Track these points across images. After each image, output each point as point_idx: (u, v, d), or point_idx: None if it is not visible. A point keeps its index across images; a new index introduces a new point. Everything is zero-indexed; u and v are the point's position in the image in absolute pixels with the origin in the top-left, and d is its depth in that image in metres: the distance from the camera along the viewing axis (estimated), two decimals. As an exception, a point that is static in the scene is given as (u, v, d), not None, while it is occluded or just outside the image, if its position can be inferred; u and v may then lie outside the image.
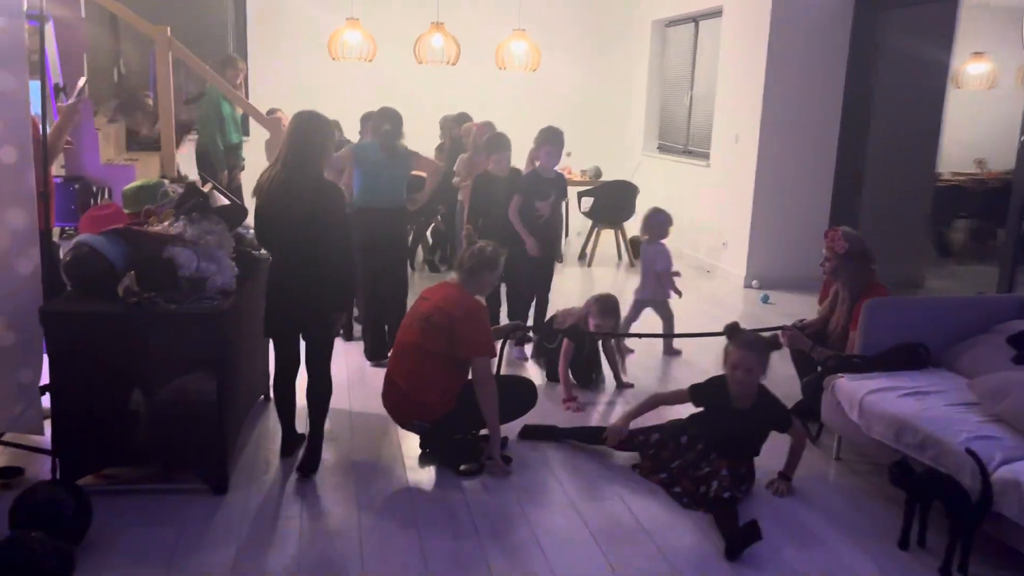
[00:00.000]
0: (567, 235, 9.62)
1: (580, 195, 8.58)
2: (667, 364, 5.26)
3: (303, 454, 3.56)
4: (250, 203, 7.45)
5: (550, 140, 5.08)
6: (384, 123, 4.96)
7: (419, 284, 6.99)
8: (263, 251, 4.03)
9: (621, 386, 4.71)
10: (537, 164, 5.13)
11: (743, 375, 3.38)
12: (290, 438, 3.68)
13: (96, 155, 5.26)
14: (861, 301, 3.92)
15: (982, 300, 4.12)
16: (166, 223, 3.42)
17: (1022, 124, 5.37)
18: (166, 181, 3.89)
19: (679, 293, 5.47)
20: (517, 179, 5.11)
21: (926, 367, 3.77)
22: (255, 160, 7.21)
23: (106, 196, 5.47)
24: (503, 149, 5.13)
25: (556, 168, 5.24)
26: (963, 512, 2.84)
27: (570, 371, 4.55)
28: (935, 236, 8.90)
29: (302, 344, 3.61)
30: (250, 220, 4.31)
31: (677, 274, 5.48)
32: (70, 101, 3.96)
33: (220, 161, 6.99)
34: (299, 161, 3.38)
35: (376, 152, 4.94)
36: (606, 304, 4.57)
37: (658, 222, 5.48)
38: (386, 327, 5.00)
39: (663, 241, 5.47)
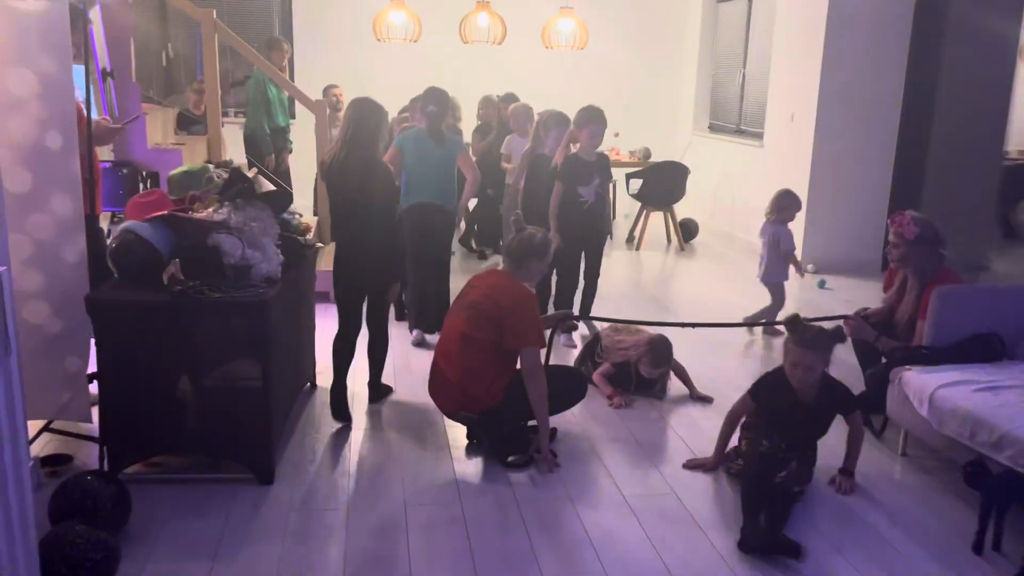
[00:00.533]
0: (614, 217, 9.45)
1: (629, 176, 8.40)
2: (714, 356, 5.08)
3: (370, 393, 4.12)
4: (300, 186, 7.52)
5: (593, 120, 4.89)
6: (429, 104, 4.78)
7: (462, 269, 6.93)
8: (309, 237, 3.99)
9: (697, 398, 4.29)
10: (577, 147, 4.97)
11: (803, 374, 3.21)
12: (338, 388, 3.92)
13: (144, 139, 5.26)
14: (930, 289, 3.72)
15: (1061, 288, 3.88)
16: (211, 209, 3.37)
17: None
18: (211, 166, 3.84)
19: (802, 273, 5.55)
20: (561, 164, 4.94)
21: (1001, 360, 3.56)
22: (303, 143, 7.20)
23: (153, 182, 5.48)
24: (561, 126, 4.95)
25: (600, 150, 5.08)
26: (1046, 517, 2.66)
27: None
28: (1001, 217, 8.53)
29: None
30: (296, 206, 4.33)
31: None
32: (118, 126, 3.97)
33: (267, 144, 6.97)
34: (355, 142, 3.70)
35: (422, 139, 4.80)
36: (658, 353, 4.19)
37: (787, 204, 5.34)
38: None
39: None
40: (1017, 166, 8.62)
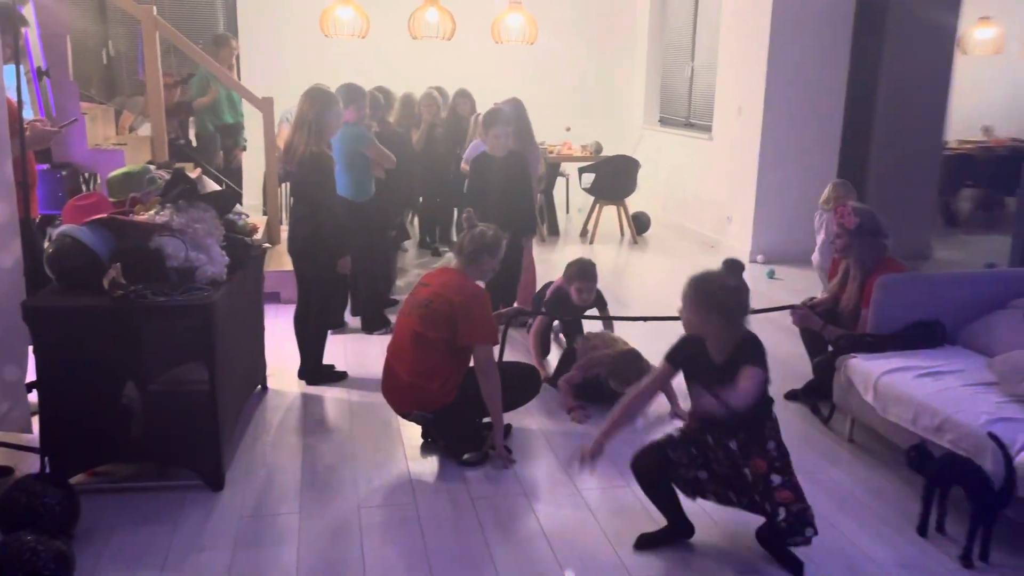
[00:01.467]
0: (567, 212, 9.49)
1: (581, 171, 8.44)
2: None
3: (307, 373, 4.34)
4: (252, 185, 7.37)
5: (495, 122, 4.89)
6: (351, 101, 4.77)
7: (416, 266, 6.90)
8: (257, 237, 3.94)
9: (675, 415, 4.00)
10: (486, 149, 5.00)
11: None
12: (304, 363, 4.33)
13: (84, 140, 5.12)
14: (873, 278, 3.80)
15: (998, 275, 4.01)
16: (152, 211, 3.29)
17: (1034, 90, 5.22)
18: (152, 167, 3.76)
19: None
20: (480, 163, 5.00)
21: (942, 345, 3.66)
22: (252, 141, 7.09)
23: (97, 183, 5.35)
24: (499, 124, 4.95)
25: (543, 144, 5.12)
26: (984, 498, 2.74)
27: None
28: (942, 206, 8.76)
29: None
30: (247, 205, 4.33)
31: None
32: (54, 129, 3.85)
33: (214, 143, 6.87)
34: (301, 132, 4.04)
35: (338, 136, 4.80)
36: (626, 368, 3.98)
37: (843, 194, 5.27)
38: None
39: None
40: (957, 156, 8.87)
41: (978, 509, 2.76)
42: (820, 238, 5.42)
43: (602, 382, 4.06)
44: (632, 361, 4.06)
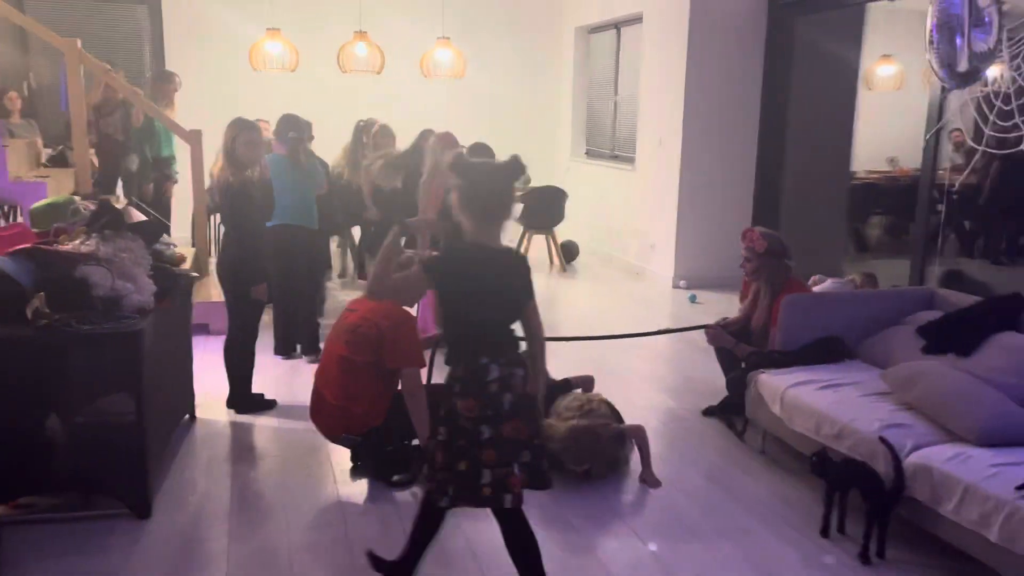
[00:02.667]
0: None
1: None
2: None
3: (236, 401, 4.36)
4: (181, 217, 7.31)
5: (487, 156, 5.04)
6: (289, 130, 4.94)
7: (346, 294, 6.94)
8: (185, 267, 3.98)
9: (642, 479, 3.65)
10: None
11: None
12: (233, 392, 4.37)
13: (4, 172, 5.07)
14: (780, 298, 4.04)
15: (894, 293, 4.30)
16: (77, 241, 3.31)
17: (927, 124, 5.61)
18: (77, 198, 3.77)
19: None
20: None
21: (843, 360, 3.90)
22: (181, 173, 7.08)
23: (18, 215, 5.29)
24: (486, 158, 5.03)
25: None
26: (878, 498, 2.95)
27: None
28: (852, 232, 9.22)
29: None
30: (175, 237, 4.38)
31: None
32: None
33: (145, 174, 6.88)
34: (221, 161, 4.19)
35: (281, 163, 4.92)
36: (580, 448, 3.53)
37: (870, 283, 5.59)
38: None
39: None
40: (865, 186, 9.36)
41: (872, 509, 2.96)
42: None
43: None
44: (586, 440, 3.52)
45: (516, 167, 2.55)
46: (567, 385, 4.01)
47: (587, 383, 4.16)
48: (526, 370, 2.55)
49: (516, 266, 2.60)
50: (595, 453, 3.52)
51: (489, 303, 2.51)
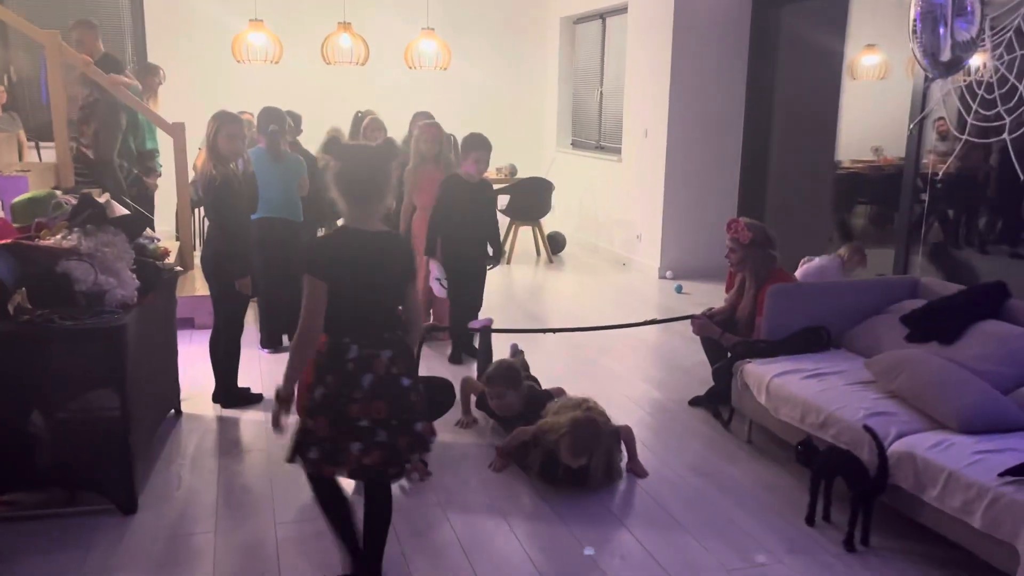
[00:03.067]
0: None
1: (496, 192, 8.61)
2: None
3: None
4: (164, 211, 7.27)
5: (481, 147, 4.95)
6: (270, 123, 4.92)
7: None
8: (168, 261, 3.95)
9: (629, 469, 3.67)
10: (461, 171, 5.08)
11: (499, 403, 3.90)
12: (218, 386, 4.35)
13: (-16, 167, 5.02)
14: (766, 288, 4.06)
15: (878, 282, 4.32)
16: (59, 236, 3.28)
17: (910, 113, 5.63)
18: (58, 192, 3.73)
19: None
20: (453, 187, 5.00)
21: (827, 349, 3.93)
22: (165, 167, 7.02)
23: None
24: (480, 148, 4.96)
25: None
26: (862, 486, 2.97)
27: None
28: (838, 222, 9.27)
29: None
30: (159, 231, 4.35)
31: None
32: None
33: (124, 167, 6.80)
34: (204, 154, 4.16)
35: (261, 156, 4.91)
36: (579, 439, 3.40)
37: (857, 256, 5.63)
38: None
39: None
40: (849, 175, 9.41)
41: (857, 496, 2.99)
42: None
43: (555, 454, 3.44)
44: (586, 432, 3.42)
45: (390, 149, 2.59)
46: (549, 395, 3.94)
47: (559, 393, 4.05)
48: (398, 353, 2.53)
49: (396, 248, 2.61)
50: (596, 443, 3.43)
51: (364, 284, 2.51)
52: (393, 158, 2.61)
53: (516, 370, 3.95)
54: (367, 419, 2.47)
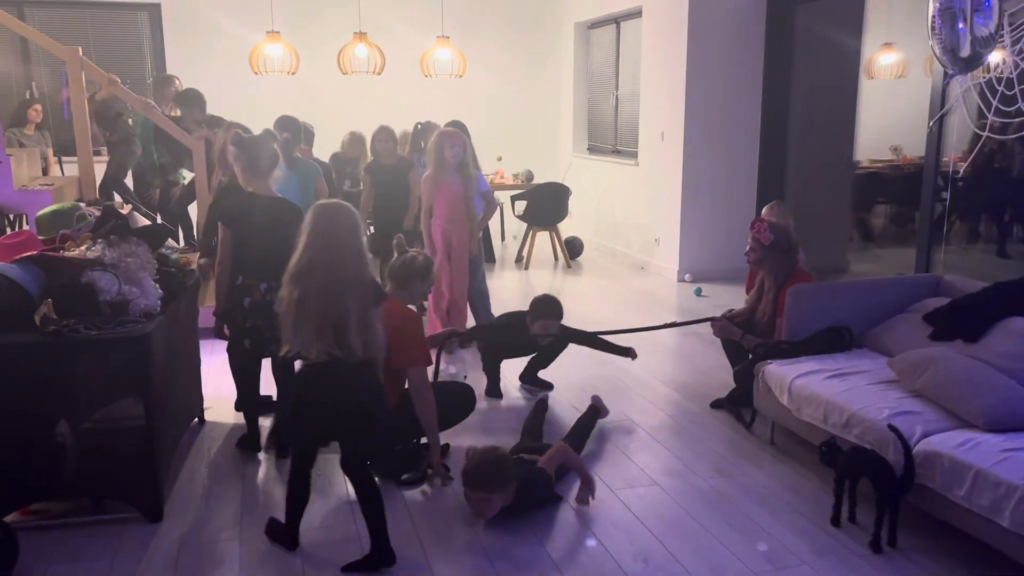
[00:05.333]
0: (503, 239, 9.66)
1: (513, 199, 8.63)
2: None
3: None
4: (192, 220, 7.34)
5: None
6: (283, 131, 5.01)
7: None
8: (186, 272, 3.99)
9: (622, 351, 4.52)
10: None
11: (479, 508, 3.21)
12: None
13: (9, 181, 5.09)
14: (786, 288, 4.03)
15: (900, 281, 4.28)
16: (83, 247, 3.33)
17: (930, 111, 5.58)
18: (82, 204, 3.78)
19: None
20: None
21: (850, 349, 3.90)
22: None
23: (24, 223, 5.31)
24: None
25: (484, 173, 5.29)
26: (888, 486, 2.94)
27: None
28: (857, 222, 9.20)
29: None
30: (174, 241, 4.37)
31: None
32: None
33: (151, 180, 6.96)
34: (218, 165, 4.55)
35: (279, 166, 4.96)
36: (541, 304, 4.44)
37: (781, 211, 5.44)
38: None
39: None
40: (868, 175, 9.34)
41: (883, 497, 2.96)
42: None
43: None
44: (547, 299, 4.46)
45: (269, 134, 3.93)
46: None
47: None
48: (274, 288, 3.15)
49: (285, 211, 3.66)
50: (553, 311, 4.38)
51: (257, 234, 3.59)
52: (272, 140, 3.85)
53: (496, 467, 3.16)
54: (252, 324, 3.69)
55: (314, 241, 2.79)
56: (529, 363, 4.72)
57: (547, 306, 4.45)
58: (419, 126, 6.74)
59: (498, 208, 6.22)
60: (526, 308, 4.52)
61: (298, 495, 3.06)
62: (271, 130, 4.66)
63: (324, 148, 8.04)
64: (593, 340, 4.56)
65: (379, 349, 2.89)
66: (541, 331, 4.39)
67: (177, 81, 7.25)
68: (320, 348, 2.74)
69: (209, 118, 6.66)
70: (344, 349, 2.74)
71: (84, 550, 3.01)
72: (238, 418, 4.29)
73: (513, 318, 4.65)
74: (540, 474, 3.30)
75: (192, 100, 6.69)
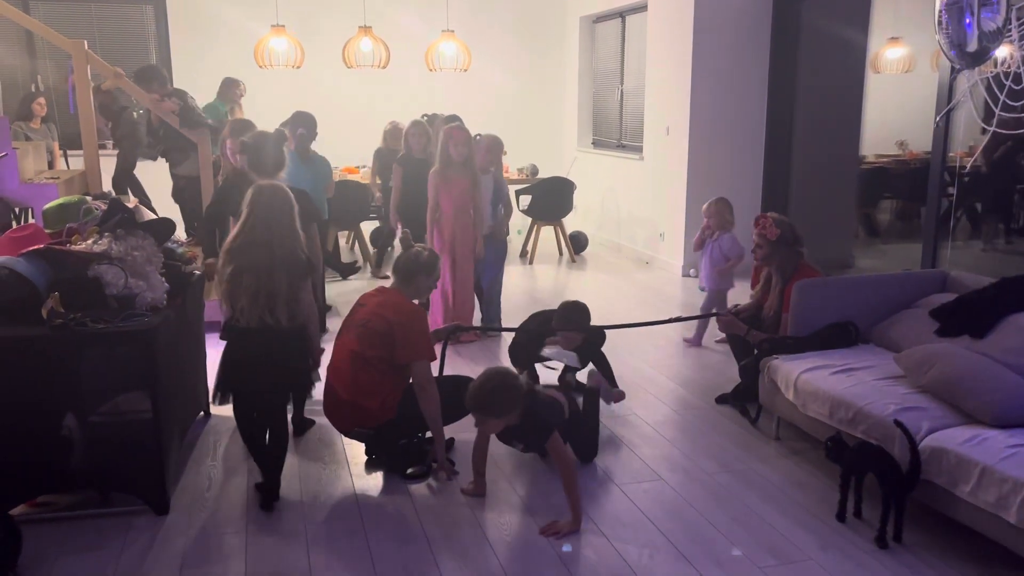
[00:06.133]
0: (507, 233, 9.65)
1: (518, 193, 8.62)
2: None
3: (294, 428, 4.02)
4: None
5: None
6: (299, 127, 5.02)
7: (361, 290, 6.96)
8: (192, 266, 3.99)
9: (612, 396, 4.28)
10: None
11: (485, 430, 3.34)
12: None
13: (15, 174, 5.10)
14: (792, 284, 4.03)
15: (906, 277, 4.26)
16: (90, 241, 3.33)
17: (936, 106, 5.57)
18: (88, 198, 3.79)
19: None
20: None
21: (856, 344, 3.89)
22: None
23: (30, 216, 5.32)
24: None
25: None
26: (894, 482, 2.94)
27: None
28: (863, 217, 9.17)
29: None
30: (179, 234, 4.39)
31: None
32: None
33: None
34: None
35: (293, 159, 4.97)
36: (566, 311, 4.20)
37: (727, 209, 5.51)
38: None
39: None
40: (874, 170, 9.31)
41: (889, 492, 2.95)
42: (705, 263, 5.51)
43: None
44: (573, 307, 4.23)
45: (279, 135, 4.21)
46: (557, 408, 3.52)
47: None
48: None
49: (281, 195, 3.35)
50: (580, 318, 4.12)
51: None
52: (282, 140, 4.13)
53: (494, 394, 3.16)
54: None
55: (252, 222, 3.22)
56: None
57: (572, 317, 4.19)
58: (424, 118, 6.75)
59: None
60: (537, 307, 4.51)
61: (259, 448, 3.36)
62: (282, 130, 4.68)
63: (327, 142, 8.05)
64: (601, 363, 4.35)
65: (305, 317, 3.34)
66: (563, 344, 4.18)
67: (242, 84, 7.62)
68: (252, 316, 3.19)
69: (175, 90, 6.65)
70: (273, 318, 3.19)
71: (91, 543, 3.02)
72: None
73: (541, 320, 4.45)
74: (552, 409, 3.36)
75: (150, 77, 6.57)
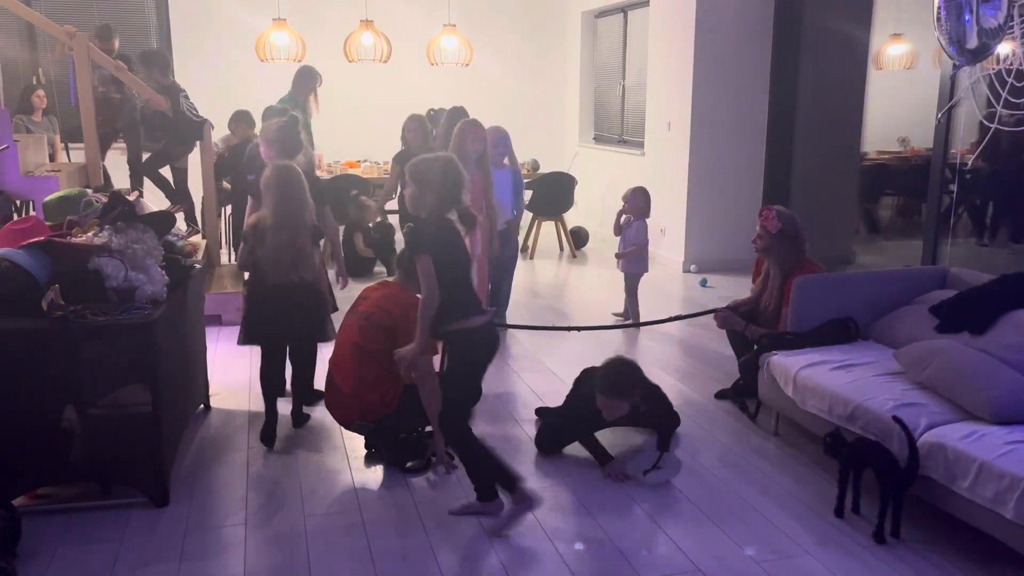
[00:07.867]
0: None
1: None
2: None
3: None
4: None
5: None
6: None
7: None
8: (192, 259, 3.99)
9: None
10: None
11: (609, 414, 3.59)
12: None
13: (16, 167, 5.09)
14: (792, 279, 4.03)
15: (906, 273, 4.26)
16: (90, 233, 3.33)
17: (938, 103, 5.56)
18: (89, 191, 3.79)
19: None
20: None
21: (855, 340, 3.89)
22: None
23: (31, 209, 5.32)
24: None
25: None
26: (892, 477, 2.94)
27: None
28: (863, 213, 9.17)
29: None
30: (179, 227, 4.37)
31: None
32: None
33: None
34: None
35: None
36: (610, 375, 3.56)
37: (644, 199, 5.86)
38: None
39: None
40: (875, 166, 9.30)
41: (887, 488, 2.96)
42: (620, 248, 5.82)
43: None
44: (620, 369, 3.57)
45: (293, 120, 4.39)
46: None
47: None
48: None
49: (295, 173, 3.79)
50: (629, 387, 3.53)
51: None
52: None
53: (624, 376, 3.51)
54: None
55: (277, 200, 3.72)
56: None
57: (622, 384, 3.52)
58: (432, 113, 6.73)
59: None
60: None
61: (273, 383, 3.87)
62: (295, 115, 4.71)
63: (328, 137, 8.05)
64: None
65: (314, 273, 3.85)
66: (609, 414, 3.56)
67: (319, 76, 7.23)
68: (279, 275, 3.69)
69: (170, 84, 6.56)
70: (296, 276, 3.70)
71: (91, 534, 3.03)
72: (242, 405, 4.32)
73: (583, 404, 3.72)
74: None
75: (154, 60, 6.45)
